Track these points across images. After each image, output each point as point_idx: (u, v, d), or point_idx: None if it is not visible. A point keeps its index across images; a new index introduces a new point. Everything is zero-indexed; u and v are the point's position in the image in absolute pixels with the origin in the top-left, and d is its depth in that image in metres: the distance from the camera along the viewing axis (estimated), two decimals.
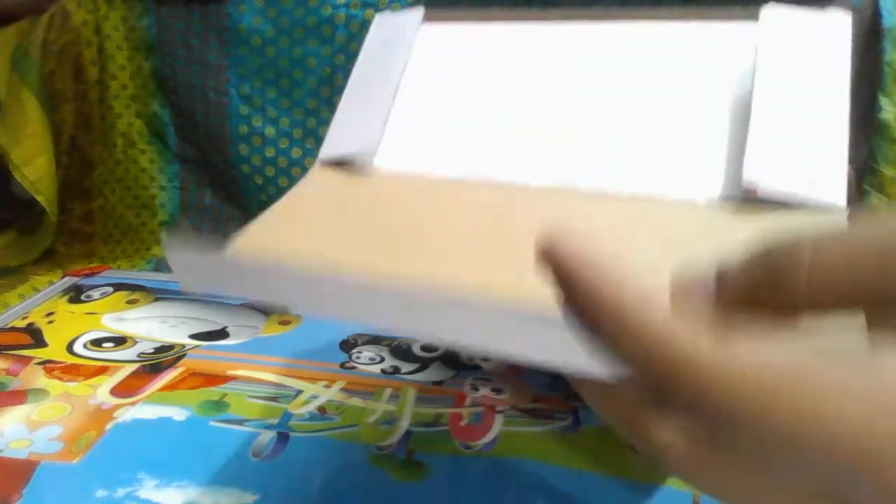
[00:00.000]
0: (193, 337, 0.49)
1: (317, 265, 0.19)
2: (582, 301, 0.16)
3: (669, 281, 0.16)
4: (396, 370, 0.44)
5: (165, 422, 0.39)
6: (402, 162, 0.30)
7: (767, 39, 0.27)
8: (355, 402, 0.41)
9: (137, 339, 0.48)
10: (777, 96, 0.26)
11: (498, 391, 0.42)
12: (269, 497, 0.33)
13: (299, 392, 0.42)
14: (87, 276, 0.59)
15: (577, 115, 0.29)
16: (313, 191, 0.29)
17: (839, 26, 0.27)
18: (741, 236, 0.19)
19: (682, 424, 0.16)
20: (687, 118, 0.28)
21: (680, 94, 0.28)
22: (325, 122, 0.60)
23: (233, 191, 0.64)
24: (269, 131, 0.60)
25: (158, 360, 0.45)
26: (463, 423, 0.39)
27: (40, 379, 0.43)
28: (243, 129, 0.61)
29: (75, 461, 0.36)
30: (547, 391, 0.42)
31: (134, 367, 0.45)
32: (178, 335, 0.49)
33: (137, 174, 0.65)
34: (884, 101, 0.53)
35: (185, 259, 0.21)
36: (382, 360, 0.46)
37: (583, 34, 0.31)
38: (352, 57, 0.58)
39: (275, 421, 0.39)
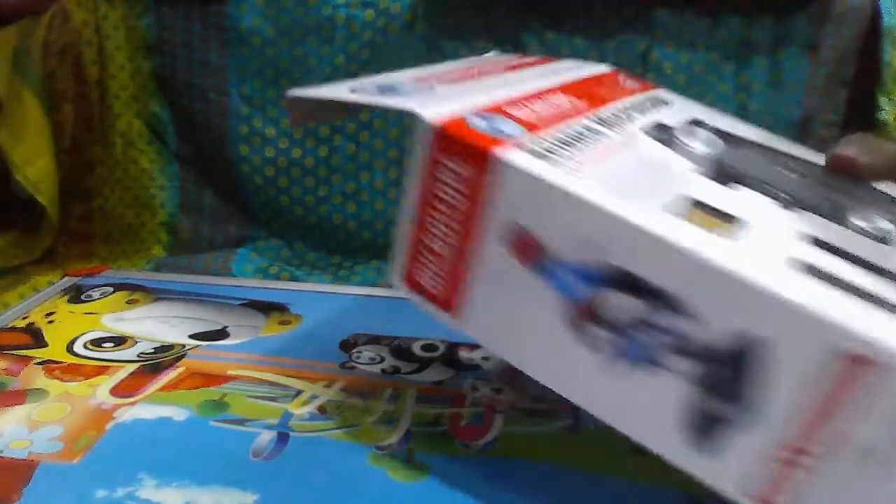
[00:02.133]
0: (193, 337, 0.49)
1: None
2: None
3: None
4: (396, 370, 0.44)
5: (165, 422, 0.39)
6: None
7: None
8: (355, 402, 0.41)
9: (137, 339, 0.48)
10: None
11: (498, 391, 0.42)
12: (269, 497, 0.33)
13: (299, 392, 0.42)
14: (87, 276, 0.59)
15: None
16: None
17: None
18: None
19: None
20: None
21: None
22: (325, 122, 0.60)
23: (233, 191, 0.64)
24: (269, 131, 0.60)
25: (158, 360, 0.46)
26: (463, 423, 0.39)
27: (40, 379, 0.43)
28: (243, 129, 0.61)
29: (75, 461, 0.36)
30: (547, 391, 0.42)
31: (134, 367, 0.45)
32: (178, 335, 0.49)
33: (137, 174, 0.65)
34: (883, 101, 0.53)
35: None
36: (382, 360, 0.46)
37: None
38: (352, 57, 0.58)
39: (275, 421, 0.39)
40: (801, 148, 0.38)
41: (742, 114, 0.56)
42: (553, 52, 0.57)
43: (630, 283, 0.25)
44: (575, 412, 0.39)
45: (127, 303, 0.54)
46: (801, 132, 0.55)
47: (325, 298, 0.56)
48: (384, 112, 0.59)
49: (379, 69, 0.58)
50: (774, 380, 0.23)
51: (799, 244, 0.27)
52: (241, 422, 0.39)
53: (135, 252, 0.66)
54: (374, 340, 0.48)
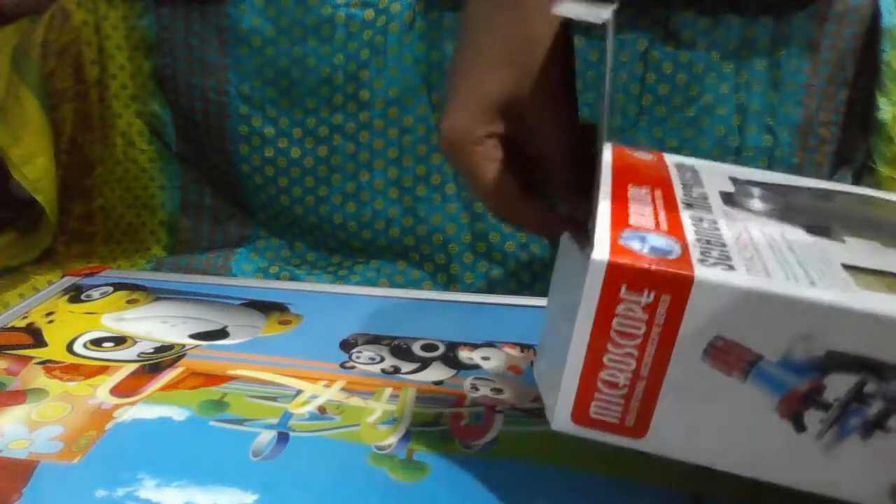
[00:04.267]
0: (193, 337, 0.49)
1: None
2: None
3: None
4: (396, 370, 0.44)
5: (165, 422, 0.39)
6: None
7: None
8: (355, 402, 0.41)
9: (137, 339, 0.48)
10: None
11: (498, 391, 0.42)
12: (269, 497, 0.33)
13: (299, 392, 0.42)
14: (87, 275, 0.59)
15: None
16: None
17: None
18: None
19: None
20: None
21: None
22: (325, 122, 0.60)
23: (233, 191, 0.64)
24: (269, 131, 0.60)
25: (158, 360, 0.46)
26: (463, 423, 0.39)
27: (40, 379, 0.43)
28: (243, 129, 0.61)
29: (75, 461, 0.36)
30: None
31: (134, 366, 0.45)
32: (178, 335, 0.49)
33: (137, 174, 0.65)
34: (881, 101, 0.53)
35: None
36: (382, 360, 0.46)
37: None
38: (351, 57, 0.58)
39: (275, 421, 0.39)
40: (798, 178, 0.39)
41: (742, 114, 0.56)
42: None
43: (847, 363, 0.26)
44: None
45: (127, 303, 0.54)
46: (801, 132, 0.55)
47: (325, 298, 0.56)
48: (384, 111, 0.59)
49: (379, 69, 0.59)
50: None
51: None
52: (241, 422, 0.39)
53: (135, 252, 0.66)
54: (374, 340, 0.48)
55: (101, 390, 0.42)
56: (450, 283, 0.60)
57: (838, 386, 0.26)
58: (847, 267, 0.28)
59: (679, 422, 0.28)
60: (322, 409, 0.40)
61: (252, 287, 0.58)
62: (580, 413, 0.29)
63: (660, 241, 0.28)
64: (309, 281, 0.61)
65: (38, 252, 0.63)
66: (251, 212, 0.65)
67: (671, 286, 0.26)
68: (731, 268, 0.26)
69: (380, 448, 0.37)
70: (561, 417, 0.29)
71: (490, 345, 0.47)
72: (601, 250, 0.26)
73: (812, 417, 0.27)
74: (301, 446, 0.37)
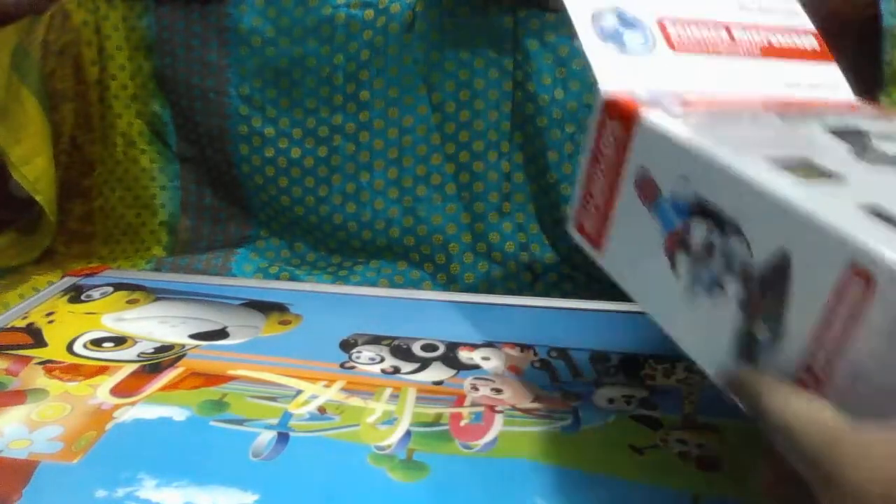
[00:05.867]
0: (193, 337, 0.49)
1: None
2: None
3: None
4: (396, 370, 0.44)
5: (165, 422, 0.39)
6: None
7: None
8: (355, 402, 0.41)
9: (137, 339, 0.48)
10: None
11: (498, 391, 0.42)
12: (269, 497, 0.33)
13: (299, 392, 0.42)
14: (86, 276, 0.59)
15: None
16: None
17: None
18: None
19: None
20: None
21: None
22: (325, 122, 0.60)
23: (233, 191, 0.64)
24: (269, 131, 0.60)
25: (158, 360, 0.46)
26: (463, 423, 0.39)
27: (40, 379, 0.43)
28: (243, 129, 0.61)
29: (75, 461, 0.36)
30: (547, 391, 0.42)
31: (134, 367, 0.45)
32: (178, 335, 0.49)
33: (137, 174, 0.65)
34: (884, 102, 0.53)
35: None
36: (382, 360, 0.46)
37: None
38: (351, 57, 0.58)
39: (275, 421, 0.39)
40: None
41: None
42: (553, 53, 0.57)
43: (704, 210, 0.27)
44: (575, 412, 0.39)
45: (127, 303, 0.54)
46: None
47: (325, 298, 0.56)
48: (384, 111, 0.59)
49: (379, 69, 0.59)
50: (795, 297, 0.23)
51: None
52: (241, 422, 0.39)
53: (135, 252, 0.66)
54: (374, 340, 0.48)
55: (101, 390, 0.42)
56: (450, 283, 0.60)
57: (698, 234, 0.28)
58: (806, 161, 0.27)
59: (621, 245, 0.33)
60: (322, 410, 0.40)
61: (252, 287, 0.58)
62: (578, 217, 0.36)
63: (666, 99, 0.32)
64: (309, 281, 0.61)
65: (38, 252, 0.64)
66: (251, 212, 0.65)
67: (627, 121, 0.31)
68: (680, 120, 0.30)
69: (380, 448, 0.37)
70: (571, 221, 0.37)
71: (490, 345, 0.47)
72: (613, 87, 0.33)
73: (682, 262, 0.29)
74: (301, 446, 0.37)
